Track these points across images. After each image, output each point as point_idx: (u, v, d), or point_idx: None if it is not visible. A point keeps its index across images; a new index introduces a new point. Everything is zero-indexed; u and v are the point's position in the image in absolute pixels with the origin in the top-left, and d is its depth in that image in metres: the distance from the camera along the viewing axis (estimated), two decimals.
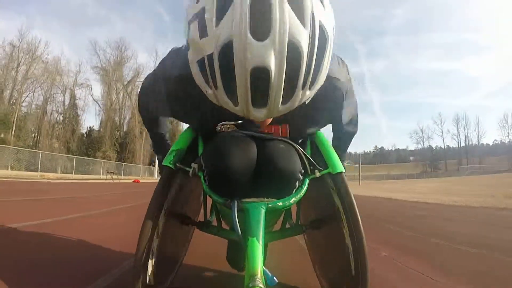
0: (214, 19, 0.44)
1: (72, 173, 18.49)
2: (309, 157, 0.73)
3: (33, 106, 28.99)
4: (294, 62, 0.44)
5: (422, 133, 60.44)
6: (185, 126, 0.95)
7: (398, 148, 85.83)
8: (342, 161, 0.87)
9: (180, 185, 0.79)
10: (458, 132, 58.57)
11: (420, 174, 49.78)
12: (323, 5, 0.48)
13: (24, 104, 28.13)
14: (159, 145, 1.02)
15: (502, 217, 3.22)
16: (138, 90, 0.90)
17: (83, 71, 32.64)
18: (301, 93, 0.48)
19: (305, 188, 0.71)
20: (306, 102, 0.53)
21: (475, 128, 59.52)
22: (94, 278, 1.05)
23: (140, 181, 17.77)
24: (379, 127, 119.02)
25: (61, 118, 30.18)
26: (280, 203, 0.65)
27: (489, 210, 3.87)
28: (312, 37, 0.44)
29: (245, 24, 0.41)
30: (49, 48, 29.46)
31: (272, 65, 0.42)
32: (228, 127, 0.69)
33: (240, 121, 0.69)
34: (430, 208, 4.29)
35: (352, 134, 0.98)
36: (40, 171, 16.08)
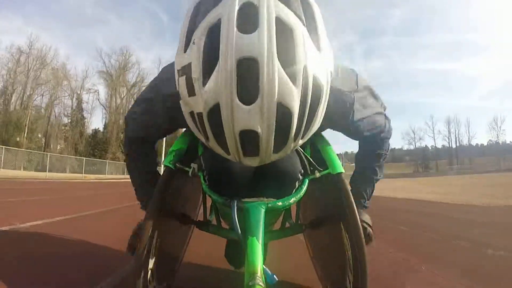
0: (200, 79, 0.42)
1: (82, 173, 19.68)
2: (309, 157, 0.73)
3: (42, 110, 30.37)
4: (284, 123, 0.42)
5: (414, 134, 62.34)
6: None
7: (394, 148, 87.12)
8: (371, 179, 0.84)
9: (180, 185, 0.79)
10: (449, 133, 60.40)
11: (412, 173, 51.45)
12: (319, 49, 0.44)
13: (34, 107, 29.53)
14: (145, 181, 0.85)
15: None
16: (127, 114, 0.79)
17: (89, 76, 34.15)
18: (293, 144, 0.47)
19: (304, 188, 0.70)
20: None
21: (466, 130, 61.41)
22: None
23: None
24: None
25: (68, 121, 31.53)
26: (280, 203, 0.65)
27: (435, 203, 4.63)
28: (304, 95, 0.42)
29: (231, 88, 0.39)
30: (58, 55, 30.88)
31: (260, 128, 0.41)
32: None
33: None
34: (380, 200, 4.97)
35: (373, 152, 0.82)
36: (48, 171, 16.66)
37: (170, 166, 0.71)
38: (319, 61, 0.44)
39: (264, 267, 0.52)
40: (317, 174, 0.72)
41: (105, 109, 33.59)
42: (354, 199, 0.69)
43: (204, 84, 0.42)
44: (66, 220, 2.34)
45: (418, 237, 2.07)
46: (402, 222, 2.67)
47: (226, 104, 0.40)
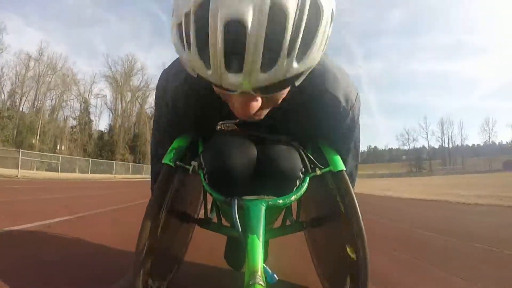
0: None
1: (88, 173, 20.41)
2: (309, 155, 0.71)
3: (52, 113, 31.90)
4: (277, 24, 0.37)
5: (408, 135, 63.87)
6: None
7: (392, 148, 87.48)
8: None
9: (180, 183, 0.78)
10: (443, 135, 61.85)
11: (406, 173, 52.88)
12: None
13: (44, 111, 31.03)
14: None
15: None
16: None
17: (97, 81, 35.88)
18: (285, 63, 0.39)
19: (305, 186, 0.69)
20: (296, 84, 0.45)
21: (459, 131, 62.90)
22: None
23: None
24: (373, 127, 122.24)
25: (77, 123, 33.03)
26: (281, 201, 0.64)
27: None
28: (302, 4, 0.38)
29: None
30: (67, 62, 32.50)
31: (249, 19, 0.36)
32: (228, 126, 0.68)
33: (239, 120, 0.68)
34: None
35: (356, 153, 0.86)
36: (60, 171, 17.29)
37: (170, 164, 0.69)
38: None
39: (265, 266, 0.51)
40: (318, 172, 0.71)
41: (112, 112, 35.27)
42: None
43: None
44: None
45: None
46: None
47: None
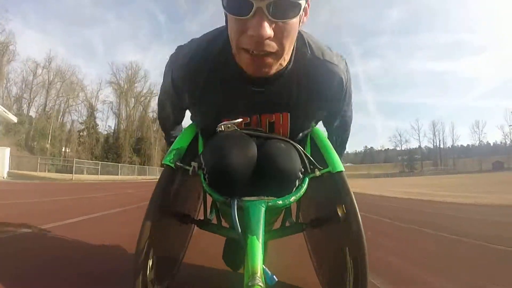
0: None
1: (98, 175, 22.40)
2: (309, 156, 0.71)
3: (61, 118, 33.39)
4: None
5: (400, 137, 65.99)
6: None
7: (388, 149, 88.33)
8: (340, 155, 0.86)
9: (180, 184, 0.77)
10: (434, 136, 63.52)
11: (398, 173, 54.63)
12: None
13: (55, 117, 32.47)
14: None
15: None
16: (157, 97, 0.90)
17: (102, 88, 37.44)
18: None
19: (305, 186, 0.68)
20: (302, 9, 0.54)
21: (450, 132, 64.84)
22: None
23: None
24: (369, 128, 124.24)
25: (83, 127, 34.53)
26: (280, 202, 0.63)
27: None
28: None
29: None
30: (75, 70, 34.02)
31: None
32: (229, 127, 0.67)
33: (240, 120, 0.68)
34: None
35: (349, 124, 0.94)
36: (68, 173, 18.15)
37: (170, 165, 0.69)
38: None
39: (264, 267, 0.50)
40: (317, 173, 0.71)
41: (116, 117, 36.81)
42: None
43: None
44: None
45: None
46: None
47: None
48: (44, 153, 25.72)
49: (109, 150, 33.62)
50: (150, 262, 0.64)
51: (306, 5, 0.57)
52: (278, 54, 0.57)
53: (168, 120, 0.94)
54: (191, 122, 0.87)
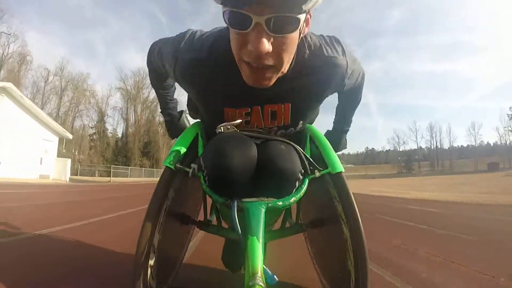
0: None
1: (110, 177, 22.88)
2: (308, 157, 0.71)
3: (70, 122, 35.95)
4: None
5: (398, 139, 68.48)
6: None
7: (389, 150, 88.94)
8: (344, 131, 0.97)
9: (180, 185, 0.77)
10: (431, 138, 63.52)
11: (396, 174, 56.40)
12: None
13: (66, 121, 35.00)
14: (164, 103, 1.00)
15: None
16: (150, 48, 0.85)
17: (112, 94, 39.83)
18: None
19: (305, 187, 0.68)
20: (300, 24, 0.54)
21: (447, 134, 67.04)
22: None
23: None
24: (370, 129, 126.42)
25: (94, 132, 37.21)
26: (280, 203, 0.63)
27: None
28: None
29: None
30: (88, 78, 35.79)
31: None
32: (228, 129, 0.68)
33: (239, 121, 0.68)
34: None
35: (356, 104, 0.96)
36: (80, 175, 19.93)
37: (170, 166, 0.69)
38: None
39: (265, 267, 0.51)
40: (317, 174, 0.71)
41: (125, 122, 39.42)
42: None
43: None
44: None
45: None
46: None
47: None
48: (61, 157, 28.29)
49: (119, 154, 36.16)
50: (150, 264, 0.64)
51: (308, 16, 0.58)
52: (277, 67, 0.58)
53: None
54: (191, 124, 0.90)
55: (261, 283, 0.47)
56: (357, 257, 0.61)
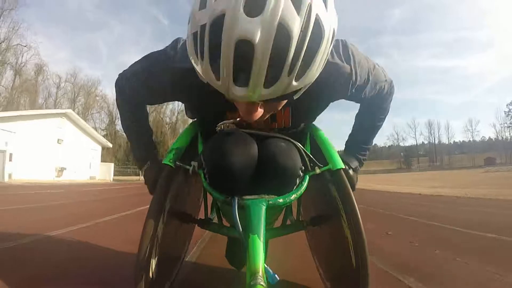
0: None
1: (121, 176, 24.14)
2: (309, 154, 0.71)
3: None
4: (281, 44, 0.42)
5: (397, 136, 70.90)
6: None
7: (391, 145, 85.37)
8: (356, 157, 0.86)
9: (180, 183, 0.77)
10: (430, 134, 65.07)
11: (395, 169, 56.67)
12: (326, 6, 0.45)
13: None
14: (145, 140, 0.89)
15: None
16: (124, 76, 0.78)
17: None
18: (286, 81, 0.45)
19: (305, 184, 0.68)
20: (294, 98, 0.50)
21: (445, 131, 68.60)
22: None
23: None
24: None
25: (107, 133, 39.34)
26: (281, 200, 0.63)
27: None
28: (305, 26, 0.42)
29: (239, 0, 0.41)
30: (99, 84, 38.32)
31: (257, 39, 0.41)
32: (228, 126, 0.68)
33: (239, 119, 0.67)
34: None
35: (374, 121, 0.86)
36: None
37: (170, 164, 0.69)
38: (324, 10, 0.45)
39: (266, 266, 0.50)
40: (318, 170, 0.71)
41: None
42: (345, 156, 0.76)
43: None
44: None
45: None
46: None
47: (231, 13, 0.41)
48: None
49: (130, 154, 38.99)
50: (152, 262, 0.65)
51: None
52: (271, 112, 0.57)
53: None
54: (190, 122, 0.88)
55: (262, 282, 0.47)
56: (357, 253, 0.61)
